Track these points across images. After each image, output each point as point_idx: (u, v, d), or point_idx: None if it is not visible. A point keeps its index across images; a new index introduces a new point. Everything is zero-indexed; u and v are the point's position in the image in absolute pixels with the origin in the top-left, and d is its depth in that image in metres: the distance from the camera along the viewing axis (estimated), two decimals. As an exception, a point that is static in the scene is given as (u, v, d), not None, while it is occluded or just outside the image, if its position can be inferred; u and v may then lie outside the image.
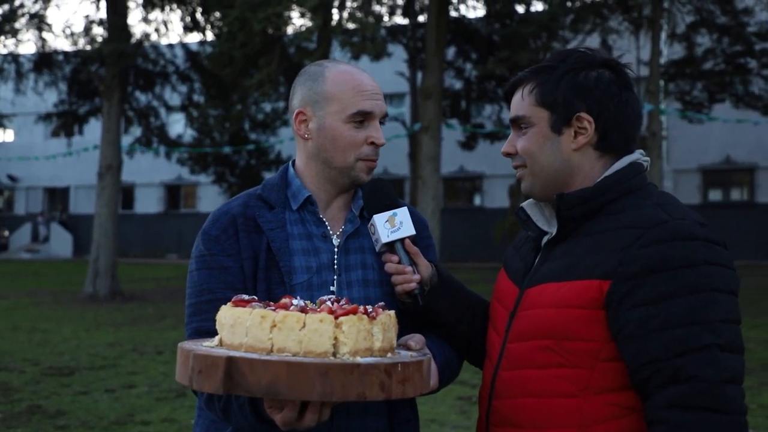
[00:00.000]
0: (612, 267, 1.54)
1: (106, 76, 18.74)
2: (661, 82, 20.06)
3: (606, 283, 1.54)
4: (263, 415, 1.50)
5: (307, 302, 1.52)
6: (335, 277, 1.81)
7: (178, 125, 29.86)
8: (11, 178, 37.29)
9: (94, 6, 19.93)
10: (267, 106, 24.79)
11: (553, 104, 1.69)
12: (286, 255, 1.77)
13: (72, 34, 19.99)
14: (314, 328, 1.35)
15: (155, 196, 36.00)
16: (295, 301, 1.48)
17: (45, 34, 20.21)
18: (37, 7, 19.95)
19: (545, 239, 1.73)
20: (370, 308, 1.46)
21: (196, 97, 22.00)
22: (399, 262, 1.77)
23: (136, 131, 23.27)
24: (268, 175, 27.73)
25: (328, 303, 1.47)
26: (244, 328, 1.39)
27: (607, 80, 1.69)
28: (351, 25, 15.80)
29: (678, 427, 1.44)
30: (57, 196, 37.90)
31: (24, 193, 38.13)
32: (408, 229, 1.79)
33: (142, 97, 21.91)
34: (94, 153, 20.30)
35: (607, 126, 1.68)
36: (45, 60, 20.84)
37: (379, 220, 1.78)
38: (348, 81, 1.82)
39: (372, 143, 1.82)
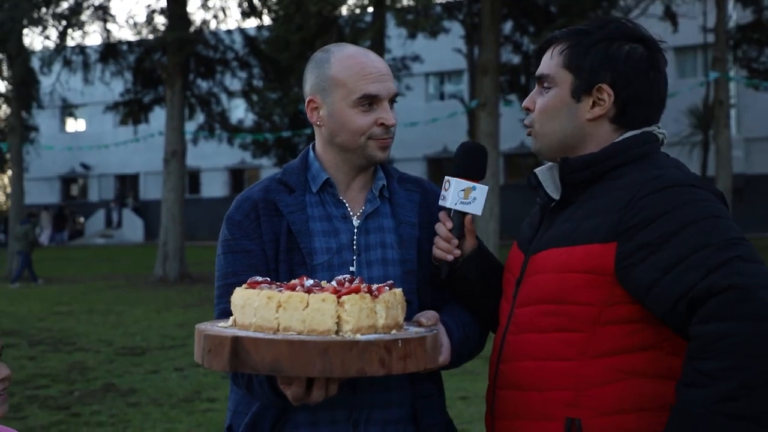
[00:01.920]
0: (612, 228, 1.55)
1: (168, 64, 19.20)
2: (729, 50, 19.33)
3: (610, 246, 1.55)
4: (279, 391, 1.56)
5: (323, 282, 1.58)
6: (355, 257, 1.85)
7: (239, 110, 30.35)
8: (84, 166, 38.61)
9: (155, -5, 20.37)
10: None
11: (579, 69, 1.68)
12: (306, 237, 1.82)
13: (135, 24, 20.55)
14: (317, 308, 1.41)
15: (220, 181, 36.76)
16: (308, 282, 1.54)
17: (109, 25, 20.91)
18: (101, 0, 20.54)
19: (551, 206, 1.75)
20: (374, 287, 1.51)
21: (255, 82, 22.32)
22: (451, 230, 1.78)
23: (200, 117, 23.78)
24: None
25: (334, 283, 1.53)
26: (253, 308, 1.46)
27: (638, 56, 1.67)
28: (405, 1, 15.71)
29: (716, 340, 1.38)
30: (128, 183, 39.11)
31: (96, 180, 39.45)
32: (477, 208, 1.77)
33: (203, 84, 22.35)
34: (159, 140, 20.85)
35: (628, 101, 1.67)
36: (110, 50, 21.47)
37: (457, 185, 1.77)
38: (352, 65, 1.83)
39: (382, 124, 1.83)
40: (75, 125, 40.28)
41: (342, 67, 1.84)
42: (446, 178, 1.80)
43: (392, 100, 1.87)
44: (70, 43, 21.20)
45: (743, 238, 1.49)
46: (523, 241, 1.81)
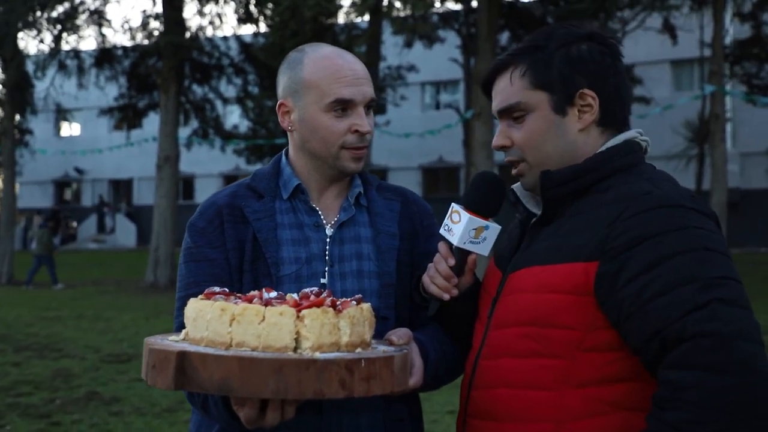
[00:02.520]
0: (597, 246, 1.43)
1: (163, 70, 19.11)
2: (727, 64, 19.32)
3: (593, 265, 1.42)
4: (235, 413, 1.44)
5: (288, 295, 1.46)
6: (327, 268, 1.73)
7: (233, 116, 30.23)
8: (78, 170, 38.42)
9: (151, 0, 20.29)
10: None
11: (550, 84, 1.56)
12: (273, 246, 1.70)
13: (130, 29, 20.44)
14: (273, 322, 1.29)
15: (215, 186, 36.56)
16: (270, 294, 1.42)
17: (105, 30, 20.76)
18: (97, 4, 20.46)
19: (532, 221, 1.63)
20: (339, 301, 1.39)
21: (250, 89, 22.21)
22: (452, 268, 1.62)
23: (195, 123, 23.67)
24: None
25: (295, 296, 1.40)
26: (206, 321, 1.34)
27: (598, 52, 1.58)
28: (398, 4, 15.63)
29: (680, 390, 1.26)
30: (121, 188, 38.92)
31: (90, 185, 39.27)
32: (485, 249, 1.61)
33: (198, 90, 22.24)
34: (153, 145, 20.73)
35: (609, 99, 1.57)
36: (105, 55, 21.37)
37: (470, 222, 1.58)
38: (326, 67, 1.71)
39: (356, 131, 1.71)
40: (69, 129, 40.10)
41: (315, 68, 1.72)
42: (455, 207, 1.63)
43: (369, 106, 1.74)
44: (65, 47, 21.09)
45: (731, 276, 1.36)
46: (500, 258, 1.68)
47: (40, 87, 22.47)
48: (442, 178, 33.34)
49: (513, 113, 1.59)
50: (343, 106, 1.70)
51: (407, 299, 1.76)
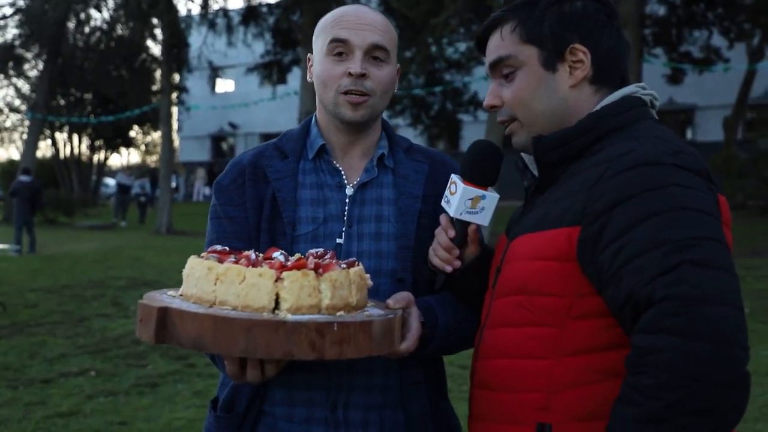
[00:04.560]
0: (579, 211, 1.36)
1: (303, 24, 19.53)
2: None
3: (575, 230, 1.36)
4: None
5: (297, 255, 1.47)
6: (345, 228, 1.72)
7: (374, 69, 30.47)
8: (232, 125, 40.38)
9: (293, -44, 20.70)
10: (462, 46, 24.48)
11: (541, 39, 1.50)
12: (291, 205, 1.71)
13: (274, -14, 21.01)
14: (252, 282, 1.31)
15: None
16: (276, 254, 1.45)
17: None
18: (242, -37, 21.16)
19: (531, 188, 1.57)
20: (324, 263, 1.39)
21: (388, 40, 22.27)
22: (453, 239, 1.61)
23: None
24: (464, 117, 27.62)
25: (279, 257, 1.41)
26: (195, 279, 1.38)
27: (593, 9, 1.51)
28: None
29: (647, 354, 1.21)
30: (271, 142, 40.63)
31: (243, 139, 41.20)
32: (484, 219, 1.59)
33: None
34: (298, 99, 21.36)
35: (602, 56, 1.50)
36: (251, 13, 22.12)
37: (465, 192, 1.57)
38: (336, 13, 1.73)
39: (349, 74, 1.68)
40: (224, 86, 42.07)
41: (328, 17, 1.74)
42: (453, 178, 1.61)
43: (375, 56, 1.70)
44: (214, 6, 22.03)
45: (707, 236, 1.25)
46: (508, 226, 1.63)
47: (194, 46, 23.65)
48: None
49: (503, 69, 1.55)
50: (340, 49, 1.69)
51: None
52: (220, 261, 1.40)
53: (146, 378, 6.38)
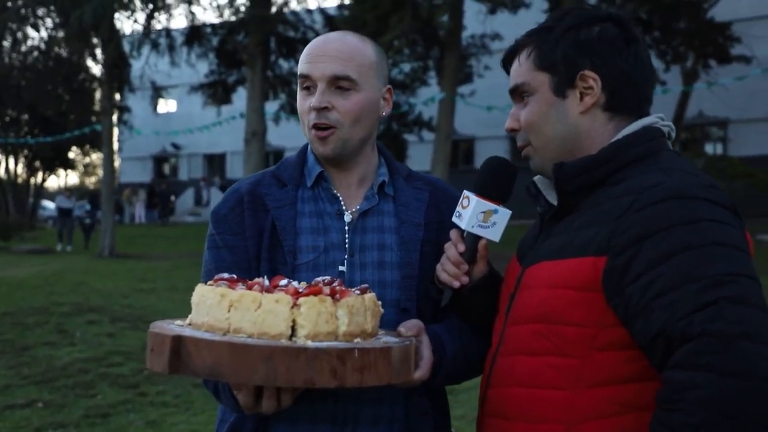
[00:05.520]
0: (604, 240, 1.36)
1: (249, 45, 19.44)
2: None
3: (601, 260, 1.36)
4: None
5: (302, 283, 1.45)
6: (347, 257, 1.70)
7: (320, 90, 30.47)
8: (175, 146, 39.79)
9: (237, -23, 20.62)
10: (407, 67, 24.68)
11: (552, 65, 1.51)
12: (291, 234, 1.69)
13: (218, 6, 20.87)
14: (269, 309, 1.28)
15: (304, 160, 37.15)
16: (282, 282, 1.42)
17: (194, 8, 21.27)
18: (186, -18, 20.95)
19: (548, 215, 1.57)
20: (339, 289, 1.37)
21: (335, 62, 22.32)
22: (462, 254, 1.61)
23: (282, 97, 24.05)
24: (409, 138, 27.77)
25: (291, 284, 1.39)
26: (206, 306, 1.35)
27: (611, 34, 1.51)
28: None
29: (682, 391, 1.20)
30: (215, 162, 40.11)
31: (186, 160, 40.64)
32: (495, 234, 1.59)
33: (284, 64, 22.54)
34: (243, 120, 21.19)
35: (616, 83, 1.49)
36: (195, 33, 21.92)
37: (477, 205, 1.58)
38: (307, 47, 1.73)
39: (313, 108, 1.67)
40: (166, 106, 41.49)
41: (305, 49, 1.74)
42: (465, 193, 1.62)
43: (338, 86, 1.67)
44: (157, 26, 21.74)
45: (742, 273, 1.26)
46: (521, 252, 1.63)
47: (136, 66, 23.27)
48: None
49: (521, 93, 1.57)
50: (306, 83, 1.70)
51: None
52: (231, 288, 1.36)
53: (96, 408, 6.18)
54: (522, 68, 1.56)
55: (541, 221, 1.60)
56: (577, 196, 1.49)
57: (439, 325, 1.66)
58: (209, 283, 1.44)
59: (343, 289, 1.39)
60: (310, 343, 1.27)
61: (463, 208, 1.61)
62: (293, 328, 1.30)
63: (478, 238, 1.60)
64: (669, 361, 1.25)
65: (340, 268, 1.69)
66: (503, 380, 1.51)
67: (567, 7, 1.61)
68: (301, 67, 1.70)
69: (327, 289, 1.35)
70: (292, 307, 1.30)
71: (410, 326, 1.56)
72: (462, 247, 1.60)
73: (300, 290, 1.34)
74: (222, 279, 1.43)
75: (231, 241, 1.71)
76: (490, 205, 1.58)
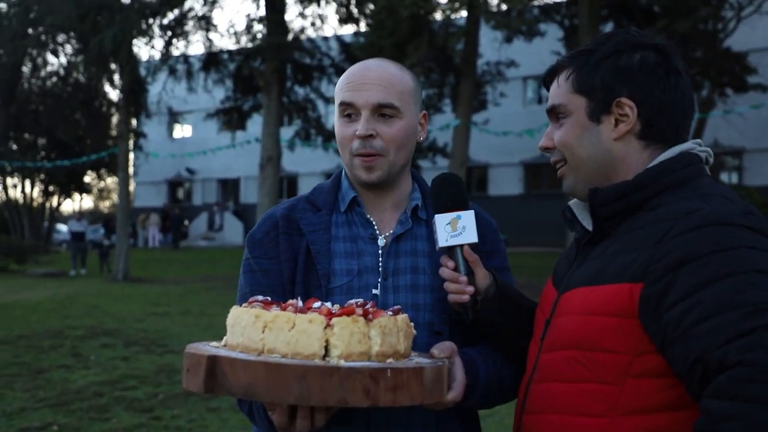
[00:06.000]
0: (642, 267, 1.36)
1: (265, 71, 19.64)
2: None
3: (637, 287, 1.36)
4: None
5: (336, 305, 1.46)
6: (380, 280, 1.72)
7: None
8: (189, 171, 40.10)
9: (254, 5, 20.91)
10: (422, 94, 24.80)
11: (590, 90, 1.53)
12: (325, 258, 1.71)
13: (235, 33, 21.12)
14: (303, 329, 1.29)
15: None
16: (315, 304, 1.43)
17: (211, 35, 21.52)
18: (204, 10, 21.25)
19: (584, 240, 1.57)
20: (371, 310, 1.38)
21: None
22: (455, 269, 1.63)
23: (297, 123, 24.25)
24: (423, 164, 27.90)
25: (324, 305, 1.40)
26: (241, 327, 1.36)
27: (652, 63, 1.51)
28: (495, 1, 15.42)
29: (720, 421, 1.19)
30: (229, 187, 40.36)
31: (200, 184, 40.90)
32: (470, 236, 1.64)
33: (300, 91, 22.75)
34: (257, 146, 21.35)
35: (652, 112, 1.50)
36: (212, 59, 22.17)
37: (440, 221, 1.65)
38: (345, 74, 1.75)
39: (357, 136, 1.69)
40: (182, 131, 41.88)
41: (342, 77, 1.76)
42: (433, 220, 1.68)
43: (382, 114, 1.70)
44: (174, 52, 22.01)
45: None
46: (557, 278, 1.64)
47: (153, 92, 23.55)
48: (545, 174, 32.73)
49: (557, 114, 1.58)
50: (349, 111, 1.71)
51: None
52: (265, 310, 1.37)
53: None
54: (560, 90, 1.57)
55: (577, 246, 1.61)
56: (613, 221, 1.49)
57: (472, 349, 1.67)
58: (244, 305, 1.45)
59: (376, 310, 1.40)
60: (343, 363, 1.28)
61: (435, 233, 1.67)
62: (326, 348, 1.31)
63: (459, 249, 1.65)
64: (706, 390, 1.24)
65: (374, 291, 1.70)
66: (538, 407, 1.50)
67: (612, 31, 1.62)
68: (343, 95, 1.71)
69: (360, 310, 1.36)
70: (326, 328, 1.31)
71: (443, 348, 1.56)
72: (451, 263, 1.63)
73: (333, 311, 1.35)
74: (256, 301, 1.45)
75: (266, 264, 1.74)
76: (450, 215, 1.65)
